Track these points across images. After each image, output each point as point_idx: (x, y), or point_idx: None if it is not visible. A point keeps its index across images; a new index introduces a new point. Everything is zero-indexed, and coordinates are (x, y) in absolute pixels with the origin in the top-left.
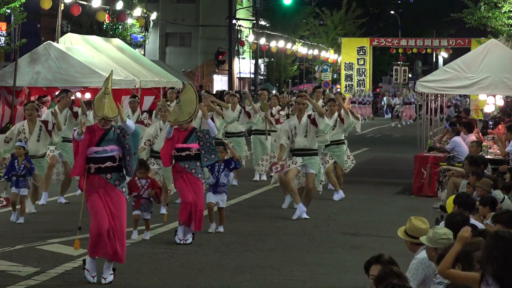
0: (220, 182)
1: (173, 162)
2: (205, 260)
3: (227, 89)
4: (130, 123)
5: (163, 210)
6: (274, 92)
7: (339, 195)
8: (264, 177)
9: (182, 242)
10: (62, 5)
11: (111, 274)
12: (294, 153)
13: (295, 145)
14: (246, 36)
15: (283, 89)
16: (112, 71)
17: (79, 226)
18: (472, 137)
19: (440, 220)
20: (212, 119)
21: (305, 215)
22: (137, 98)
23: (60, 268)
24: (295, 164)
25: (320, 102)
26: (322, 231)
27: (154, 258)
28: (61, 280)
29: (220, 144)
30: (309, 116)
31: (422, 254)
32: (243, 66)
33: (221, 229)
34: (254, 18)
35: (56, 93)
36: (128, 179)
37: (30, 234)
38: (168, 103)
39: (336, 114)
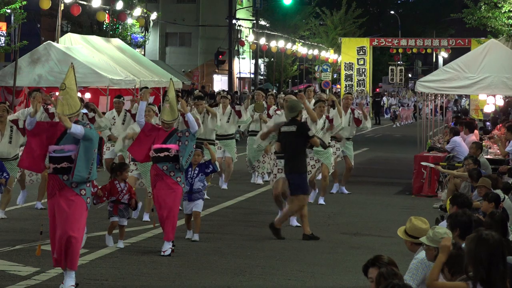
0: (195, 189)
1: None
2: (205, 260)
3: (227, 89)
4: (77, 128)
5: (146, 217)
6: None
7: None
8: (260, 180)
9: (162, 254)
10: (62, 5)
11: (71, 285)
12: (278, 156)
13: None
14: (246, 36)
15: (283, 89)
16: (72, 65)
17: (40, 231)
18: (473, 137)
19: (440, 220)
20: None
21: (295, 222)
22: (122, 98)
23: (60, 268)
24: (281, 172)
25: (312, 102)
26: (322, 231)
27: (154, 259)
28: (61, 280)
29: (198, 146)
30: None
31: (422, 254)
32: (243, 66)
33: (196, 237)
34: (254, 18)
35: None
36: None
37: (30, 234)
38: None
39: (324, 116)
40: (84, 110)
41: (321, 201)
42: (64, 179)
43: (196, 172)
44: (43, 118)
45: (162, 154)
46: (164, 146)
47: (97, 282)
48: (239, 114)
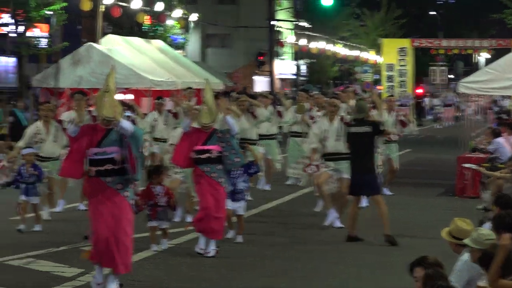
0: (237, 189)
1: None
2: (248, 262)
3: (268, 90)
4: (126, 124)
5: (189, 219)
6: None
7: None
8: (297, 182)
9: (203, 253)
10: (103, 6)
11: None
12: (325, 158)
13: (327, 149)
14: (286, 37)
15: (324, 90)
16: (112, 67)
17: (85, 235)
18: None
19: (484, 222)
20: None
21: (338, 223)
22: (163, 99)
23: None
24: (327, 168)
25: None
26: (365, 232)
27: (197, 260)
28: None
29: (240, 147)
30: (341, 118)
31: (466, 255)
32: (285, 67)
33: (239, 239)
34: (294, 19)
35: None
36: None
37: (74, 235)
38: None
39: None
40: (128, 113)
41: (364, 203)
42: (108, 181)
43: (240, 172)
44: (86, 120)
45: (203, 156)
46: (205, 147)
47: (141, 283)
48: (280, 114)
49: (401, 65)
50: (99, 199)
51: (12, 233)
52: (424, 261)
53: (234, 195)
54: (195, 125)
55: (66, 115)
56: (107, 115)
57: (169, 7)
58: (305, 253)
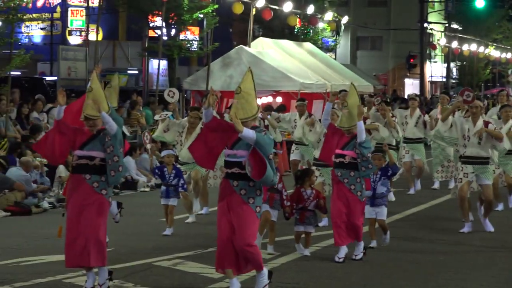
0: (377, 193)
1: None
2: (394, 265)
3: (418, 94)
4: (249, 133)
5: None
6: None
7: None
8: (437, 185)
9: (340, 260)
10: (254, 9)
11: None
12: (463, 161)
13: (467, 151)
14: (438, 40)
15: (476, 93)
16: (249, 69)
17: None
18: None
19: None
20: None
21: (490, 228)
22: (305, 101)
23: (253, 272)
24: (466, 176)
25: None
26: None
27: (325, 269)
28: (253, 281)
29: (379, 150)
30: (485, 122)
31: None
32: (435, 70)
33: (387, 239)
34: (446, 22)
35: None
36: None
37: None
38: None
39: (511, 120)
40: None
41: (500, 207)
42: (234, 185)
43: (378, 176)
44: None
45: (337, 160)
46: (343, 152)
47: (288, 285)
48: (424, 124)
49: None
50: (225, 202)
51: (160, 234)
52: None
53: (374, 200)
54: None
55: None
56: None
57: (321, 10)
58: (452, 255)
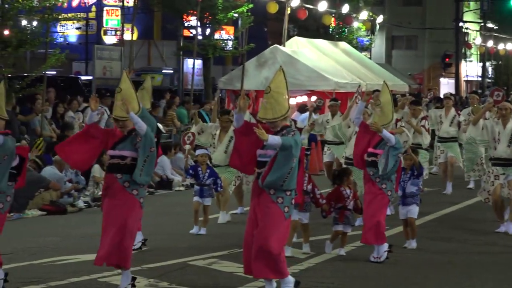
0: (407, 193)
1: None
2: (405, 275)
3: (453, 93)
4: (274, 140)
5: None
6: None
7: None
8: (472, 185)
9: (375, 260)
10: (289, 9)
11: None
12: (493, 163)
13: (496, 153)
14: (473, 39)
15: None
16: (281, 68)
17: None
18: None
19: None
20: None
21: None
22: (338, 101)
23: (291, 269)
24: (498, 178)
25: None
26: None
27: (359, 269)
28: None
29: (413, 150)
30: None
31: None
32: (470, 69)
33: (413, 244)
34: (481, 21)
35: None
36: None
37: None
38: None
39: None
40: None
41: None
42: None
43: (408, 176)
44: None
45: (370, 159)
46: (375, 151)
47: (323, 284)
48: (459, 125)
49: None
50: (255, 201)
51: (195, 234)
52: None
53: (405, 199)
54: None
55: (248, 116)
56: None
57: (355, 9)
58: (486, 259)
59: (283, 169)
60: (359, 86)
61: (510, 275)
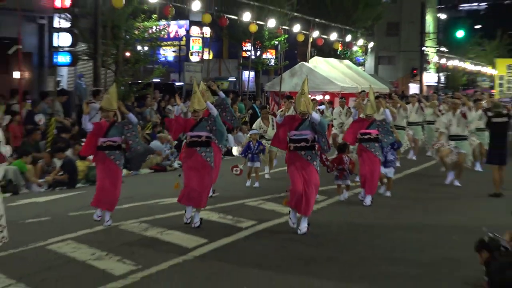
0: (388, 159)
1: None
2: (387, 211)
3: (417, 93)
4: (315, 116)
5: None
6: (449, 94)
7: None
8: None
9: (367, 204)
10: (311, 38)
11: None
12: (450, 138)
13: (450, 132)
14: (431, 58)
15: (456, 93)
16: (306, 77)
17: (286, 189)
18: None
19: None
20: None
21: (456, 183)
22: (343, 99)
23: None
24: (449, 145)
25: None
26: None
27: (352, 212)
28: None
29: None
30: (461, 111)
31: None
32: (429, 78)
33: (388, 193)
34: (437, 46)
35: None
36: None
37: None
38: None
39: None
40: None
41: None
42: (302, 154)
43: (389, 148)
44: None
45: (365, 137)
46: (367, 131)
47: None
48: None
49: (509, 76)
50: (297, 166)
51: (249, 186)
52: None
53: (386, 163)
54: (361, 115)
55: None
56: (303, 110)
57: (355, 38)
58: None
59: (325, 136)
60: (363, 91)
61: (461, 201)
